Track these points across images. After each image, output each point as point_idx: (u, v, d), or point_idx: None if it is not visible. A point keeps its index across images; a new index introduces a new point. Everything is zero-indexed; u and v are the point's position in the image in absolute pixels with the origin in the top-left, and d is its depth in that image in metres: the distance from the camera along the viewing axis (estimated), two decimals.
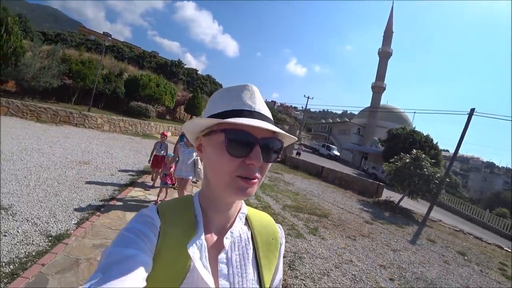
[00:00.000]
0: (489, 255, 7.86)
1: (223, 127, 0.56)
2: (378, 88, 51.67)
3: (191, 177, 4.73)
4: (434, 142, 28.77)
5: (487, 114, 12.43)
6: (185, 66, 47.73)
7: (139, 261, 0.48)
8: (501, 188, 61.04)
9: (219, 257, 0.60)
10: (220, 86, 56.34)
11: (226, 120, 0.54)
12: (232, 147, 0.54)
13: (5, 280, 2.27)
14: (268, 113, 0.60)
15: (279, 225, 0.75)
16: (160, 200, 5.08)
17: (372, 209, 9.43)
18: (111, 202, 4.50)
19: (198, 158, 4.80)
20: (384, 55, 52.51)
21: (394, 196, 11.29)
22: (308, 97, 40.75)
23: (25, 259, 2.56)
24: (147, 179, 6.45)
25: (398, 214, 9.78)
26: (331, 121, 58.22)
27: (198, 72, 51.79)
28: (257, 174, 0.56)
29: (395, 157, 11.09)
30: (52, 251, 2.72)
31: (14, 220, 3.23)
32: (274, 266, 0.68)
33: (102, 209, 4.14)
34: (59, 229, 3.24)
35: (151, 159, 6.00)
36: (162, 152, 5.91)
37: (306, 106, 42.67)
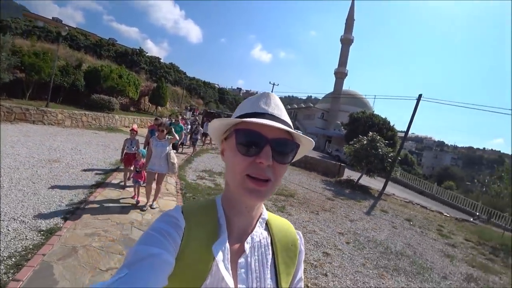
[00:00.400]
0: (430, 220, 9.20)
1: (236, 128, 0.60)
2: (340, 74, 53.93)
3: (165, 172, 4.67)
4: (391, 124, 31.12)
5: (433, 99, 13.98)
6: (147, 55, 45.78)
7: (163, 260, 0.50)
8: (449, 164, 67.68)
9: (239, 261, 0.61)
10: (185, 74, 54.84)
11: (234, 119, 0.58)
12: (242, 146, 0.57)
13: (11, 271, 2.54)
14: (284, 117, 0.62)
15: (299, 231, 0.75)
16: (138, 200, 4.96)
17: (334, 187, 10.43)
18: (90, 198, 4.69)
19: (172, 151, 4.76)
20: (346, 42, 54.53)
21: (354, 175, 12.45)
22: (274, 84, 41.48)
23: (24, 252, 2.82)
24: (120, 175, 6.51)
25: (357, 190, 10.90)
26: (296, 106, 59.80)
27: (161, 60, 49.95)
28: (269, 175, 0.57)
29: (354, 139, 12.17)
30: (48, 243, 2.99)
31: (1, 220, 3.40)
32: (292, 272, 0.68)
33: (84, 204, 4.36)
34: (48, 224, 3.48)
35: (123, 158, 5.70)
36: (134, 149, 5.65)
37: (272, 91, 43.46)
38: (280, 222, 0.73)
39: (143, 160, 5.14)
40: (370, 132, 12.05)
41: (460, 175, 52.86)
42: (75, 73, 16.58)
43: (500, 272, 5.77)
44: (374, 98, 46.32)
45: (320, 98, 55.67)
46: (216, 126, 0.63)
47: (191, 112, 32.02)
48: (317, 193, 8.79)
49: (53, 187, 4.81)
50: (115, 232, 3.57)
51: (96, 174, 6.16)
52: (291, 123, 0.63)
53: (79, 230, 3.36)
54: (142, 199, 4.97)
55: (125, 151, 5.68)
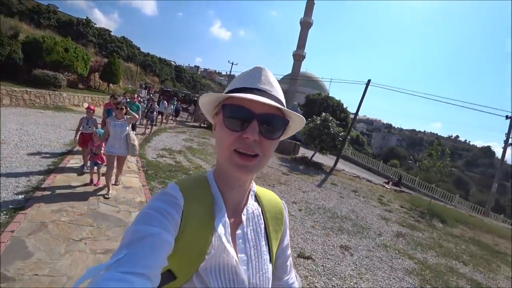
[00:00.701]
0: (373, 191, 10.45)
1: (224, 103, 0.60)
2: (298, 56, 55.17)
3: (125, 154, 4.42)
4: (345, 106, 33.17)
5: (380, 85, 15.27)
6: (95, 26, 41.79)
7: (162, 239, 0.50)
8: (394, 145, 74.74)
9: (237, 232, 0.64)
10: (139, 49, 51.36)
11: (221, 94, 0.58)
12: (229, 121, 0.57)
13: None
14: (275, 92, 0.61)
15: (283, 201, 0.80)
16: (95, 184, 4.73)
17: (289, 164, 11.21)
18: (45, 184, 4.30)
19: (131, 132, 4.50)
20: (305, 25, 55.40)
21: (309, 153, 13.39)
22: (232, 63, 41.12)
23: None
24: (77, 158, 6.23)
25: (310, 167, 11.82)
26: None
27: (112, 33, 46.01)
28: (257, 150, 0.57)
29: (309, 119, 12.97)
30: (14, 221, 3.02)
31: None
32: (279, 238, 0.73)
33: (38, 191, 4.07)
34: (10, 204, 3.45)
35: (77, 138, 5.30)
36: (90, 128, 5.22)
37: (230, 72, 43.11)
38: (267, 193, 0.77)
39: (100, 141, 4.79)
40: (323, 113, 12.93)
41: (403, 154, 59.03)
42: (11, 43, 14.72)
43: (423, 229, 6.96)
44: (330, 81, 48.82)
45: (279, 79, 56.93)
46: (205, 102, 0.63)
47: (146, 91, 30.55)
48: (274, 168, 9.43)
49: (6, 169, 4.60)
50: (82, 207, 3.67)
51: (51, 156, 5.93)
52: (283, 99, 0.63)
53: (44, 208, 3.40)
54: (103, 182, 4.72)
55: (80, 130, 5.29)
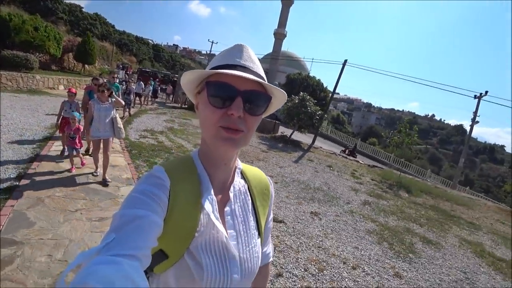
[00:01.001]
0: (348, 166, 11.19)
1: (207, 81, 0.60)
2: (279, 35, 54.49)
3: (111, 137, 4.36)
4: (325, 86, 33.74)
5: (357, 65, 15.79)
6: (65, 1, 39.24)
7: (150, 221, 0.51)
8: (373, 123, 77.06)
9: (225, 209, 0.66)
10: (113, 27, 48.91)
11: (204, 71, 0.59)
12: (213, 99, 0.57)
13: None
14: (257, 69, 0.62)
15: (269, 177, 0.82)
16: (76, 167, 4.69)
17: (269, 142, 11.73)
18: (29, 171, 4.23)
19: (117, 115, 4.44)
20: (286, 3, 54.44)
21: (288, 132, 13.92)
22: (212, 42, 40.30)
23: None
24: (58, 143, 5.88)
25: (289, 145, 12.39)
26: None
27: (83, 10, 43.46)
28: (241, 126, 0.58)
29: (288, 98, 13.40)
30: (12, 198, 3.30)
31: None
32: (266, 213, 0.76)
33: (29, 171, 4.19)
34: (4, 184, 3.69)
35: (59, 123, 5.16)
36: (73, 112, 4.99)
37: (210, 51, 42.28)
38: (253, 170, 0.79)
39: (78, 125, 4.68)
40: (301, 92, 13.37)
41: (382, 133, 61.45)
42: None
43: (389, 198, 7.72)
44: (312, 61, 48.78)
45: (260, 58, 56.50)
46: (187, 79, 0.63)
47: (124, 71, 29.63)
48: (253, 146, 9.91)
49: None
50: (73, 185, 3.98)
51: (32, 140, 6.01)
52: (264, 76, 0.63)
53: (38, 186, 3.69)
54: (78, 168, 4.73)
55: (62, 115, 5.14)
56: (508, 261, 5.05)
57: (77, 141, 4.59)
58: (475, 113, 23.52)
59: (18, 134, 6.07)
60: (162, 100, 20.63)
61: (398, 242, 4.74)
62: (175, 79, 25.86)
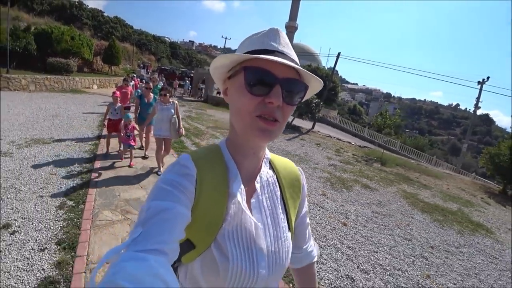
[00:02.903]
0: (336, 145, 13.04)
1: (244, 65, 0.56)
2: (291, 28, 55.48)
3: (171, 136, 4.69)
4: (342, 76, 34.87)
5: (349, 57, 17.40)
6: (88, 7, 42.61)
7: (177, 212, 0.51)
8: (391, 113, 76.61)
9: (252, 200, 0.64)
10: (132, 28, 52.05)
11: (244, 55, 0.55)
12: (251, 85, 0.55)
13: (83, 198, 3.87)
14: (293, 55, 0.60)
15: (300, 168, 0.79)
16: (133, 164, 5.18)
17: None
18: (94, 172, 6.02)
19: (176, 117, 4.67)
20: None
21: (291, 119, 15.88)
22: (226, 38, 42.34)
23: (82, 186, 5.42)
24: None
25: (289, 129, 14.40)
26: None
27: (104, 14, 46.77)
28: (278, 115, 0.56)
29: None
30: (90, 188, 5.60)
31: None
32: (297, 205, 0.74)
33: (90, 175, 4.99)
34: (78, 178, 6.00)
35: (105, 124, 5.59)
36: (118, 115, 5.48)
37: (224, 46, 44.42)
38: (282, 160, 0.77)
39: (133, 124, 5.16)
40: None
41: (398, 123, 61.26)
42: (26, 36, 16.81)
43: (357, 165, 9.52)
44: (319, 55, 49.59)
45: None
46: (220, 63, 0.60)
47: (145, 70, 32.13)
48: None
49: (62, 139, 7.15)
50: (143, 182, 5.38)
51: (91, 137, 8.03)
52: (299, 63, 0.60)
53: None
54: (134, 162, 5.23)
55: (108, 116, 5.55)
56: (428, 202, 6.90)
57: (132, 138, 5.06)
58: (478, 98, 24.46)
59: (82, 119, 8.52)
60: (180, 95, 23.17)
61: (340, 184, 6.68)
62: (191, 75, 28.29)
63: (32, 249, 2.60)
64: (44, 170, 4.42)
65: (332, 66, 36.52)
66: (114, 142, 5.99)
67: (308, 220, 0.81)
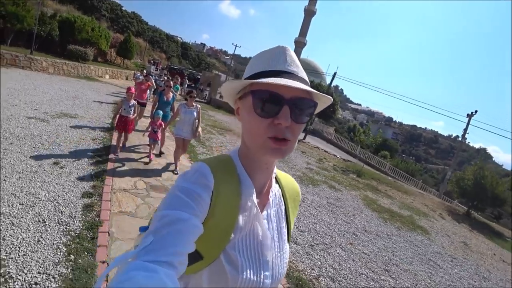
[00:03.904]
0: (320, 155, 14.31)
1: (252, 89, 0.59)
2: (299, 43, 57.98)
3: (191, 138, 4.96)
4: (346, 95, 36.22)
5: (345, 78, 18.85)
6: (108, 0, 44.33)
7: (191, 225, 0.51)
8: (390, 137, 77.70)
9: (263, 212, 0.67)
10: (147, 24, 53.87)
11: (250, 81, 0.57)
12: (259, 108, 0.56)
13: (106, 157, 6.37)
14: (301, 74, 0.61)
15: (298, 184, 0.85)
16: (153, 154, 5.46)
17: None
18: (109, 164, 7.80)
19: (197, 120, 4.92)
20: (309, 13, 57.80)
21: None
22: (236, 45, 44.07)
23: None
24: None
25: None
26: None
27: (123, 8, 48.49)
28: (288, 135, 0.57)
29: None
30: (107, 176, 6.88)
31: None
32: (295, 218, 0.79)
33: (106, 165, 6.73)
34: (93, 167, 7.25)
35: (116, 121, 5.18)
36: (131, 112, 5.13)
37: (234, 53, 46.09)
38: (286, 176, 0.82)
39: (160, 121, 5.34)
40: None
41: (395, 147, 62.51)
42: (51, 23, 18.23)
43: (331, 172, 10.78)
44: (326, 74, 51.16)
45: None
46: (230, 88, 0.64)
47: (154, 66, 33.19)
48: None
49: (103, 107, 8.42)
50: (157, 179, 7.27)
51: (111, 108, 9.69)
52: (307, 79, 0.62)
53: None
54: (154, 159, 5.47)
55: (120, 113, 5.11)
56: (383, 206, 8.13)
57: (157, 134, 5.27)
58: (465, 129, 26.04)
59: (97, 106, 9.79)
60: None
61: (309, 181, 7.91)
62: (199, 77, 29.74)
63: (75, 177, 3.94)
64: (75, 135, 5.70)
65: (336, 84, 37.80)
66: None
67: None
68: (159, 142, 5.68)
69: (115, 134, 5.67)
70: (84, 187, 3.71)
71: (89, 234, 2.82)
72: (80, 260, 2.43)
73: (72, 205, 3.23)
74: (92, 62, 20.10)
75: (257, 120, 0.58)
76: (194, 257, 0.57)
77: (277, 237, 0.69)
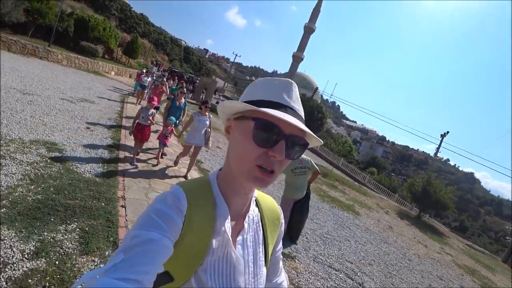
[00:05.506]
0: None
1: (255, 115, 0.58)
2: (297, 58, 60.66)
3: (202, 145, 5.12)
4: (323, 109, 38.12)
5: (340, 99, 20.95)
6: (119, 1, 46.23)
7: (162, 245, 0.51)
8: (379, 155, 79.57)
9: (237, 238, 0.66)
10: (153, 26, 55.71)
11: (262, 109, 0.56)
12: (259, 137, 0.56)
13: (119, 133, 8.32)
14: (301, 112, 0.63)
15: (279, 206, 0.83)
16: (162, 155, 5.88)
17: None
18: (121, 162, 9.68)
19: (209, 129, 5.13)
20: (308, 30, 60.72)
21: None
22: (236, 54, 46.47)
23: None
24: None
25: None
26: (254, 79, 65.52)
27: (132, 9, 50.43)
28: (276, 167, 0.58)
29: None
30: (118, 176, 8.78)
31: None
32: (274, 242, 0.77)
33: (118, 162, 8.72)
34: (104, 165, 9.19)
35: (133, 129, 5.01)
36: (149, 121, 5.07)
37: (234, 61, 48.33)
38: (266, 198, 0.81)
39: (172, 127, 5.46)
40: None
41: (384, 165, 64.23)
42: (68, 20, 20.20)
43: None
44: (317, 90, 53.43)
45: (283, 73, 62.25)
46: (231, 107, 0.62)
47: (157, 67, 34.88)
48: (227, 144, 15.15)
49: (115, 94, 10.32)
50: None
51: (120, 98, 11.55)
52: (304, 118, 0.64)
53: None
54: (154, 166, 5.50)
55: (137, 121, 5.00)
56: (332, 197, 10.05)
57: (167, 139, 5.48)
58: (438, 148, 28.52)
59: (108, 95, 11.66)
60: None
61: None
62: (197, 81, 31.60)
63: (101, 136, 5.93)
64: (96, 114, 7.64)
65: (332, 100, 39.79)
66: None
67: (280, 254, 0.83)
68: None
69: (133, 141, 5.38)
70: (106, 143, 5.66)
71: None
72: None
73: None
74: (100, 59, 21.92)
75: (252, 147, 0.57)
76: (165, 279, 0.58)
77: (252, 263, 0.68)
